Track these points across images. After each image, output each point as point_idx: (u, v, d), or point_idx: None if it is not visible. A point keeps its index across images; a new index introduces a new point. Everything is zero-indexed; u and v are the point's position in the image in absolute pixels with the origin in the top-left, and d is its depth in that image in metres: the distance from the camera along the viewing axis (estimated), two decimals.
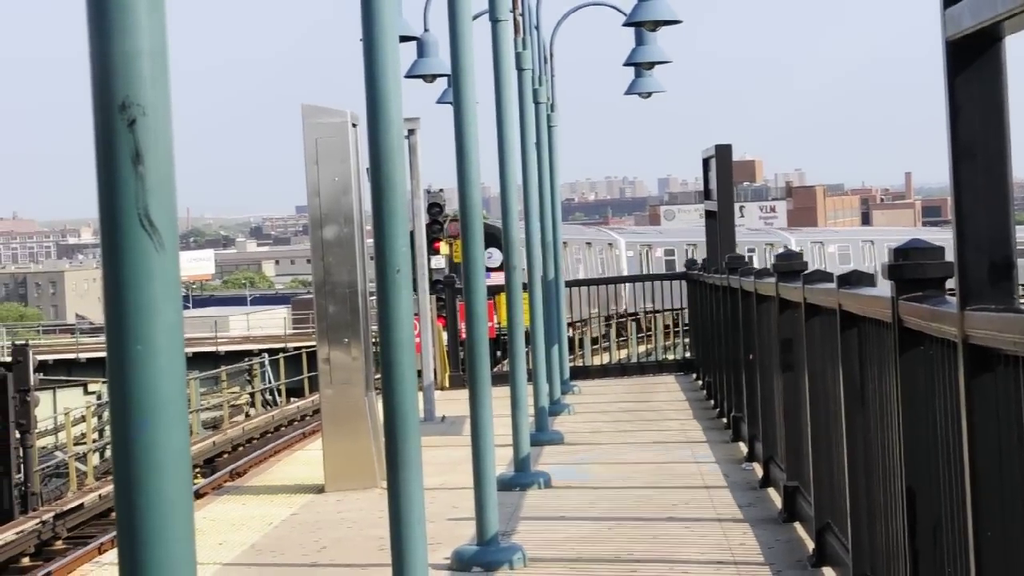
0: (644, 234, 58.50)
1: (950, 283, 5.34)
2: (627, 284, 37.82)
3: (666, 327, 28.65)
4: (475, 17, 9.93)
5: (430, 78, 16.09)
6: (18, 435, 24.77)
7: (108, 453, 32.62)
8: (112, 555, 11.03)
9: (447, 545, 8.39)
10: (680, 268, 29.65)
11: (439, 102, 17.29)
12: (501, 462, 10.05)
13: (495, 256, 26.77)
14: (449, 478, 10.93)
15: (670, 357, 25.26)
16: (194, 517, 2.30)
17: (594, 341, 28.05)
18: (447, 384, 19.91)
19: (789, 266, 9.19)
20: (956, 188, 4.35)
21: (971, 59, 4.36)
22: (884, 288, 6.22)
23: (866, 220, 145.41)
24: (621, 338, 31.83)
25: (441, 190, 30.03)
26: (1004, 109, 4.27)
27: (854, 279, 7.13)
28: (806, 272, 8.53)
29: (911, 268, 5.70)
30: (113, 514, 16.49)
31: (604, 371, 23.32)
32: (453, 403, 16.18)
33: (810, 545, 8.05)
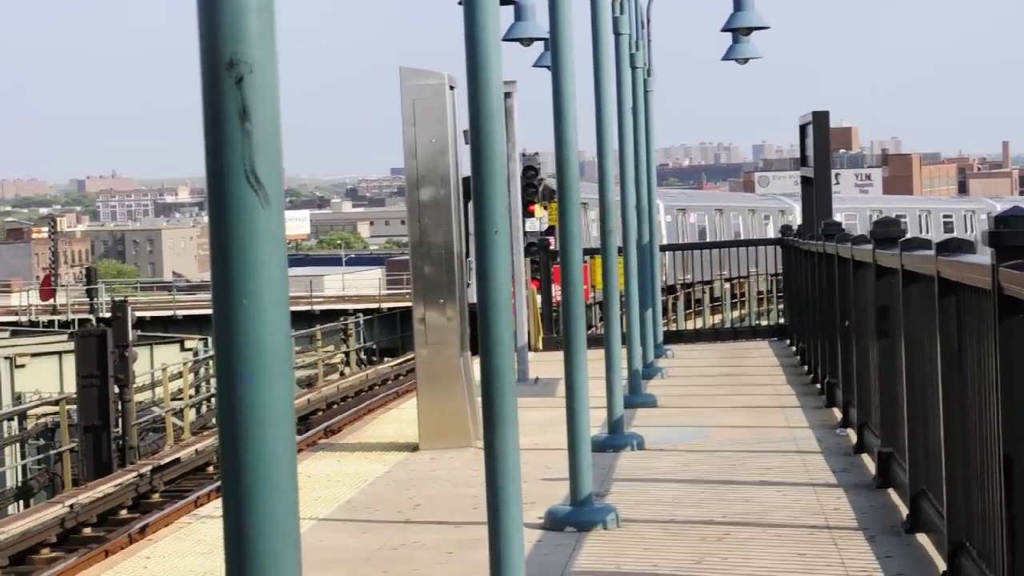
0: (676, 198, 56.53)
1: None
2: (719, 249, 37.74)
3: (759, 293, 28.34)
4: None
5: (527, 42, 16.23)
6: (117, 390, 25.38)
7: (204, 409, 33.24)
8: (209, 508, 11.32)
9: (540, 505, 8.50)
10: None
11: (535, 65, 17.42)
12: (594, 424, 10.11)
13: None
14: (542, 439, 11.05)
15: (763, 323, 25.09)
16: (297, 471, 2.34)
17: (687, 305, 28.26)
18: (540, 347, 20.02)
19: (886, 233, 9.20)
20: None
21: None
22: (984, 255, 6.17)
23: (963, 189, 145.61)
24: (716, 303, 31.98)
25: (536, 153, 30.16)
26: None
27: (953, 246, 7.10)
28: (903, 239, 8.53)
29: (1011, 236, 5.64)
30: (209, 468, 16.63)
31: (697, 335, 23.25)
32: (546, 365, 16.28)
33: (904, 511, 8.10)
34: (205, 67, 2.41)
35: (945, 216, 66.69)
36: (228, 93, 2.40)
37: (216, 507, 10.27)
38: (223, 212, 2.37)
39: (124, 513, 19.04)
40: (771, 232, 46.15)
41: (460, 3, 7.06)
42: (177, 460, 21.99)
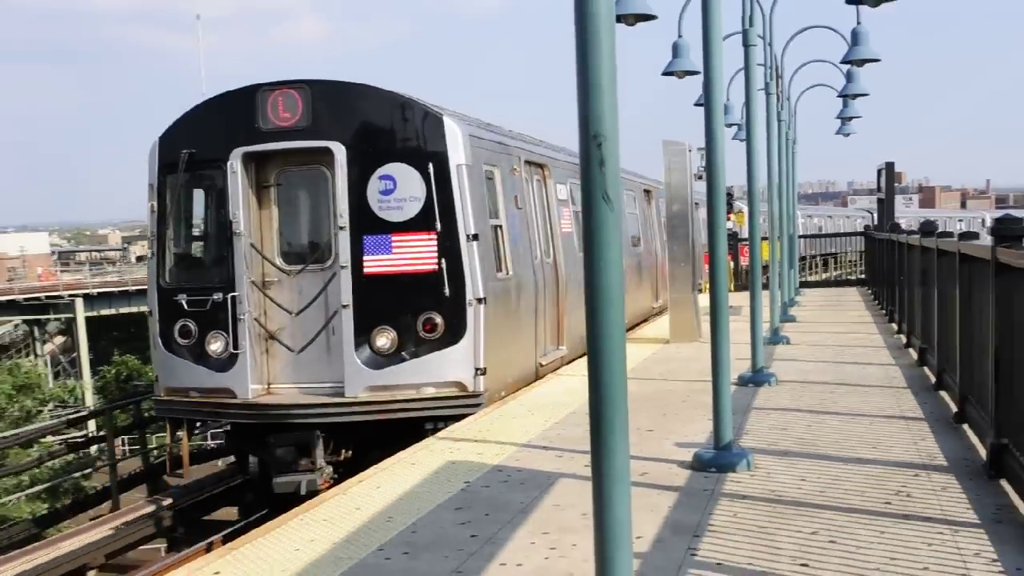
0: (805, 209, 73.47)
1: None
2: (830, 237, 52.45)
3: (851, 261, 48.20)
4: (727, 37, 10.88)
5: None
6: None
7: None
8: None
9: (735, 373, 12.41)
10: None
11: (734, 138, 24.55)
12: (745, 359, 13.02)
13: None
14: (734, 337, 14.31)
15: (853, 277, 38.67)
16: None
17: (811, 268, 46.91)
18: (732, 289, 26.75)
19: (927, 227, 12.95)
20: None
21: None
22: (986, 240, 8.13)
23: (963, 206, 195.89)
24: (824, 268, 51.27)
25: (731, 186, 39.65)
26: None
27: (966, 236, 9.60)
28: (937, 232, 12.17)
29: (1004, 229, 7.39)
30: None
31: (818, 283, 35.70)
32: (735, 298, 20.84)
33: (933, 379, 11.19)
34: (582, 136, 3.89)
35: (959, 220, 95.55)
36: (593, 152, 3.83)
37: None
38: (592, 212, 3.96)
39: None
40: (859, 228, 66.87)
41: (697, 104, 11.66)
42: None
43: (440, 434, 10.98)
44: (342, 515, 7.84)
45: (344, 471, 12.03)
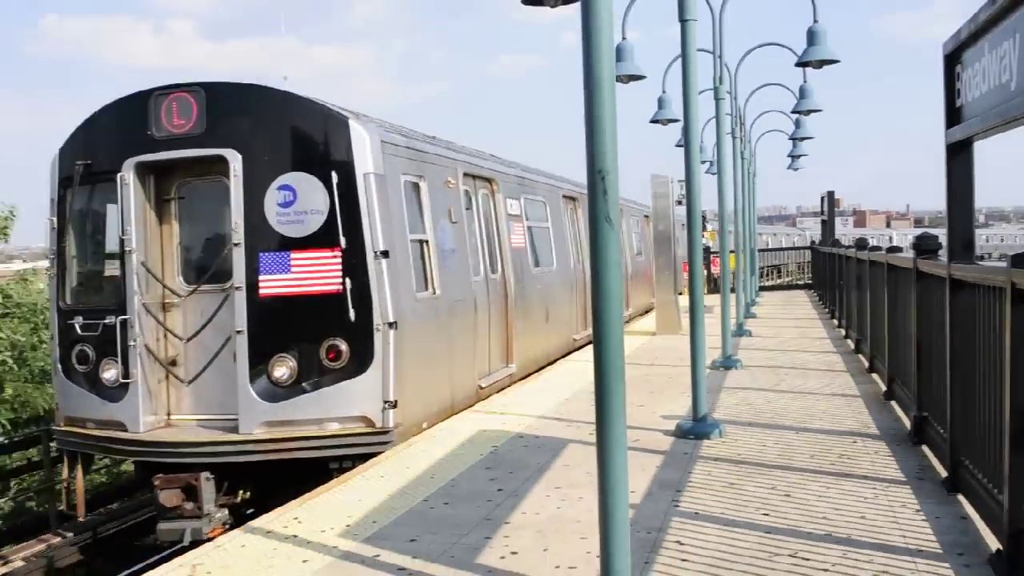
0: (763, 229, 72.71)
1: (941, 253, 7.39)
2: (783, 251, 54.05)
3: (800, 269, 46.92)
4: (701, 92, 10.00)
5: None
6: None
7: None
8: None
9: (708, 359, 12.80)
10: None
11: (708, 173, 23.84)
12: (716, 348, 13.11)
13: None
14: (708, 330, 15.44)
15: (800, 282, 36.71)
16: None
17: (767, 275, 46.57)
18: (707, 292, 26.13)
19: (861, 243, 13.08)
20: (949, 209, 5.92)
21: (957, 154, 5.88)
22: (909, 254, 8.39)
23: (888, 226, 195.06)
24: (778, 275, 51.39)
25: (705, 209, 40.34)
26: (971, 180, 5.75)
27: (892, 250, 10.03)
28: (869, 246, 12.27)
29: (923, 245, 7.63)
30: None
31: (772, 288, 35.07)
32: (707, 298, 20.77)
33: (883, 387, 11.29)
34: (589, 171, 4.01)
35: (882, 237, 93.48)
36: (598, 183, 4.03)
37: None
38: (597, 231, 4.11)
39: None
40: (798, 244, 68.13)
41: (678, 145, 11.59)
42: None
43: (473, 408, 10.83)
44: (395, 472, 7.85)
45: (244, 514, 9.25)
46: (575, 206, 17.40)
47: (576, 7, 4.09)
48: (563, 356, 15.39)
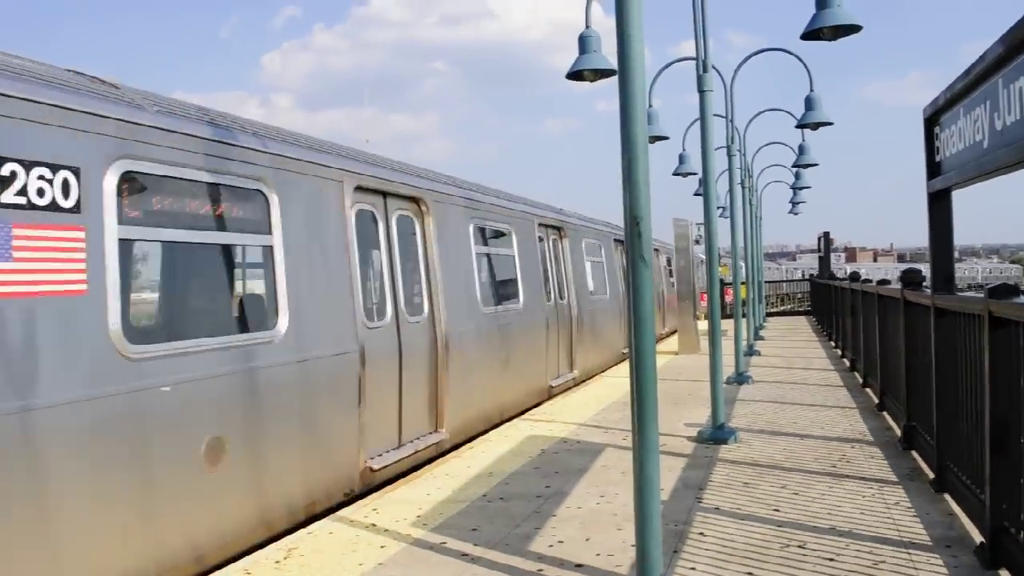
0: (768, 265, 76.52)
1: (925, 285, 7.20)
2: (785, 283, 54.73)
3: (800, 298, 46.29)
4: (716, 149, 9.64)
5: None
6: None
7: None
8: None
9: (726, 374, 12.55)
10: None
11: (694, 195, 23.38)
12: (731, 365, 13.05)
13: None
14: (725, 349, 15.30)
15: (801, 308, 38.23)
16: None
17: (772, 303, 46.12)
18: (722, 317, 26.14)
19: (854, 276, 12.84)
20: (932, 248, 5.78)
21: (938, 201, 5.73)
22: (897, 286, 8.15)
23: (875, 260, 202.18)
24: (783, 303, 50.97)
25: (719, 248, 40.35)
26: (950, 223, 5.68)
27: (882, 282, 9.76)
28: (861, 279, 12.01)
29: (909, 277, 7.49)
30: None
31: (777, 314, 34.00)
32: (722, 323, 20.53)
33: (875, 400, 10.85)
34: (626, 217, 3.89)
35: (876, 271, 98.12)
36: (633, 228, 3.91)
37: None
38: (634, 270, 3.92)
39: None
40: (796, 276, 69.66)
41: (696, 194, 11.36)
42: None
43: (522, 416, 10.78)
44: (459, 471, 7.80)
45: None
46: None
47: (611, 80, 4.10)
48: (614, 365, 15.80)
